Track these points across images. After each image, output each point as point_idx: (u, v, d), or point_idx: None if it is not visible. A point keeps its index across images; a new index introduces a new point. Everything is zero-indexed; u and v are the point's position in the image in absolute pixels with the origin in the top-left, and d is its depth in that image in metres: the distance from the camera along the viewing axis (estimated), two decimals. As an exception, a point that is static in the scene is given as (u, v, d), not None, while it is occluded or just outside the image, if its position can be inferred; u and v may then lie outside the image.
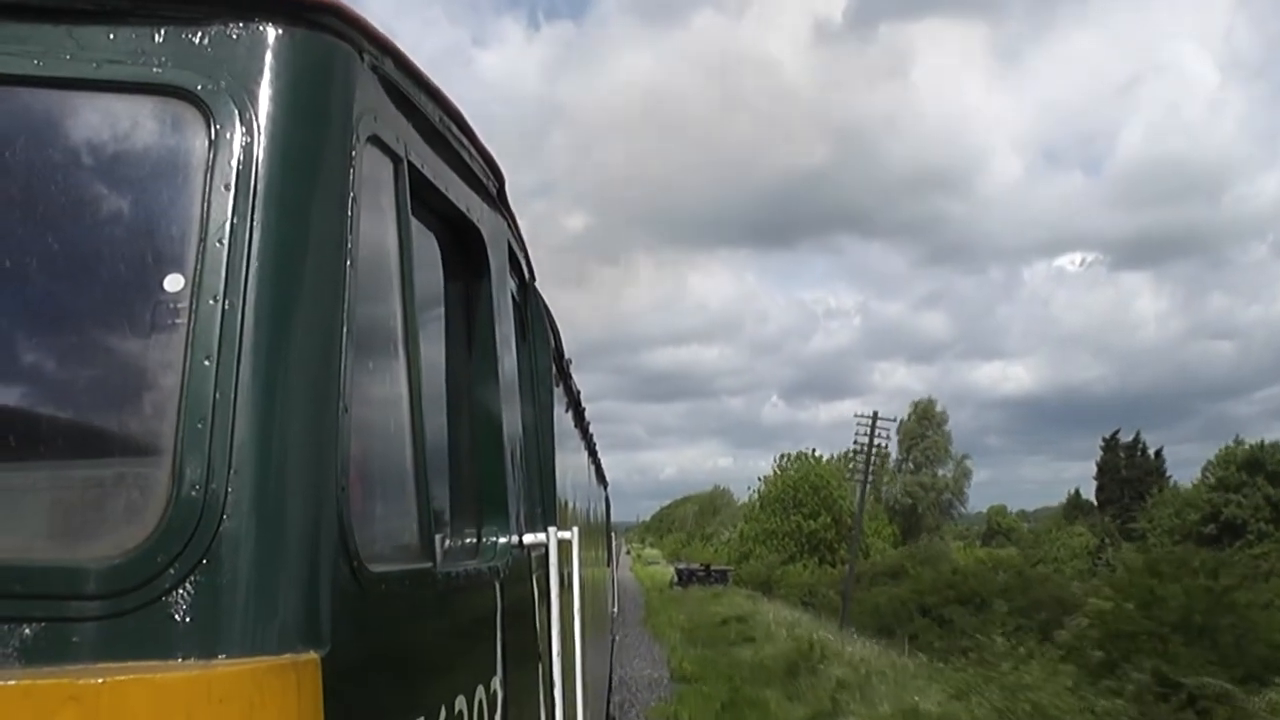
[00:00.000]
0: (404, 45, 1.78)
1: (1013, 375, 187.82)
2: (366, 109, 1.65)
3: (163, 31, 1.51)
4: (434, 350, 2.21)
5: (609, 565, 16.53)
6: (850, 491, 56.65)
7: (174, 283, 1.45)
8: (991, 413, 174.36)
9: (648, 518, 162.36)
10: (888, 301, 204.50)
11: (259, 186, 1.47)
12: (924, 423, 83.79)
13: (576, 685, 3.21)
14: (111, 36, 1.50)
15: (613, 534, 22.61)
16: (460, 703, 1.94)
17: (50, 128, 1.53)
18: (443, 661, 1.93)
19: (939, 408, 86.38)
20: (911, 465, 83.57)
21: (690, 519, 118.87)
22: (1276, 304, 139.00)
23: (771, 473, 69.53)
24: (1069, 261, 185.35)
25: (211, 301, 1.42)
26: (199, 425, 1.37)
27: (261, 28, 1.53)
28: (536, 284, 3.52)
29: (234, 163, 1.48)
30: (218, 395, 1.38)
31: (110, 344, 1.51)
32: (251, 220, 1.46)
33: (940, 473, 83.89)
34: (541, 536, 2.69)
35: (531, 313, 3.38)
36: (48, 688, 1.23)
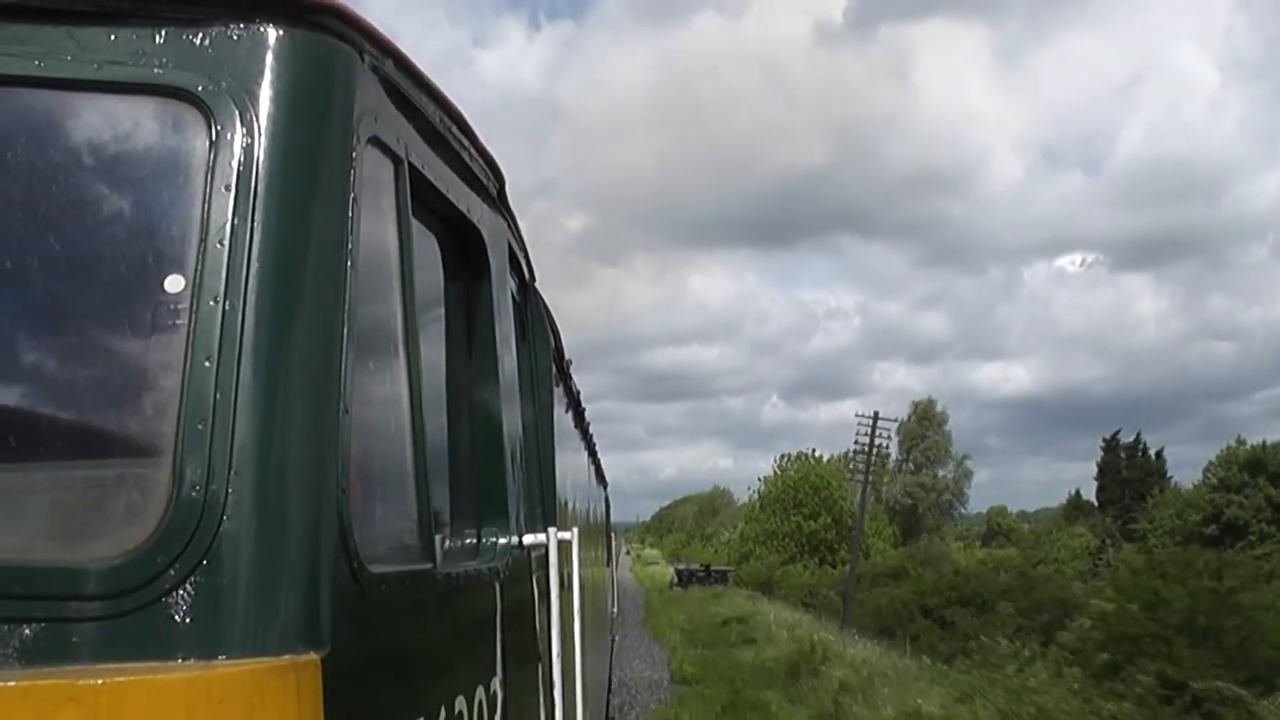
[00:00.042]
0: (404, 46, 1.78)
1: (1013, 376, 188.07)
2: (367, 110, 1.66)
3: (163, 32, 1.51)
4: (434, 351, 2.21)
5: (609, 566, 16.53)
6: (851, 492, 56.67)
7: (175, 283, 1.46)
8: (991, 413, 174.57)
9: (647, 518, 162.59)
10: (888, 302, 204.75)
11: (260, 187, 1.48)
12: (924, 423, 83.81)
13: (576, 686, 3.21)
14: (112, 37, 1.50)
15: (612, 534, 22.62)
16: (460, 703, 1.94)
17: (51, 128, 1.54)
18: (443, 662, 1.93)
19: (939, 408, 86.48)
20: (912, 466, 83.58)
21: (690, 519, 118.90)
22: (1277, 305, 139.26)
23: (771, 473, 69.67)
24: (1069, 262, 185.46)
25: (212, 302, 1.42)
26: (199, 426, 1.37)
27: (262, 29, 1.53)
28: (536, 284, 3.52)
29: (235, 164, 1.48)
30: (218, 396, 1.38)
31: (111, 345, 1.51)
32: (252, 221, 1.46)
33: (940, 473, 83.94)
34: (541, 537, 2.69)
35: (532, 313, 3.38)
36: (47, 688, 1.23)
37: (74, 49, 1.49)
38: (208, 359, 1.39)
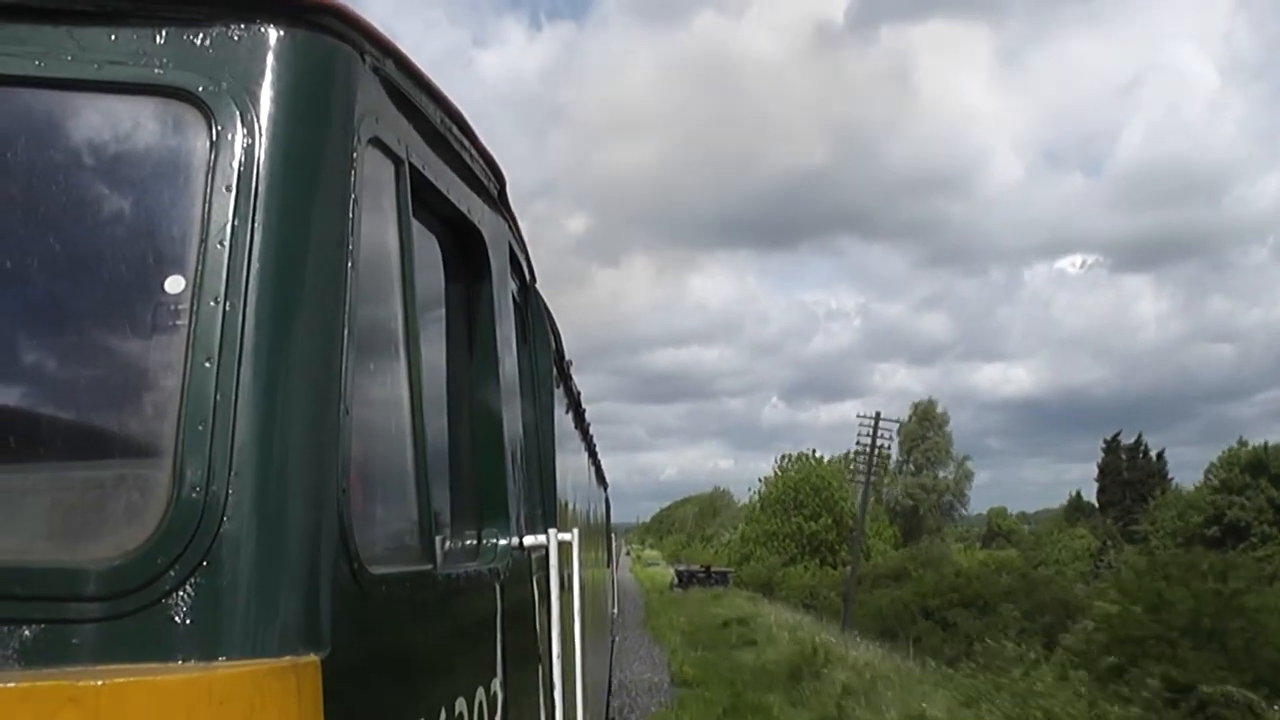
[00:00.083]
0: (404, 46, 1.78)
1: (1013, 377, 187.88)
2: (368, 110, 1.65)
3: (164, 33, 1.51)
4: (435, 352, 2.21)
5: (609, 567, 16.53)
6: (852, 493, 56.64)
7: (175, 284, 1.45)
8: (992, 414, 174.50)
9: (648, 519, 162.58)
10: (888, 303, 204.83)
11: (260, 188, 1.47)
12: (925, 424, 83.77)
13: (576, 687, 3.21)
14: (113, 38, 1.50)
15: (613, 535, 22.61)
16: (460, 704, 1.94)
17: (52, 129, 1.54)
18: (443, 663, 1.93)
19: (940, 409, 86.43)
20: (912, 467, 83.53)
21: (690, 520, 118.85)
22: (1277, 307, 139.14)
23: (772, 474, 69.62)
24: (1069, 263, 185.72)
25: (212, 303, 1.42)
26: (200, 427, 1.37)
27: (263, 29, 1.53)
28: (537, 285, 3.52)
29: (235, 164, 1.48)
30: (218, 397, 1.38)
31: (111, 345, 1.51)
32: (253, 222, 1.46)
33: (941, 474, 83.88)
34: (542, 538, 2.69)
35: (532, 314, 3.38)
36: (47, 689, 1.23)
37: (74, 49, 1.49)
38: (208, 360, 1.39)
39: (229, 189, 1.46)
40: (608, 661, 13.74)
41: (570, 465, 5.24)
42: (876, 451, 42.20)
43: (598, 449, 10.81)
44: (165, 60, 1.50)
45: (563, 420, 4.51)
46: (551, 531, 2.72)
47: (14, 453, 1.46)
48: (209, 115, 1.49)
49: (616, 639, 20.35)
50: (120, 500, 1.44)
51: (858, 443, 42.89)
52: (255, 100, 1.50)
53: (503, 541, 2.39)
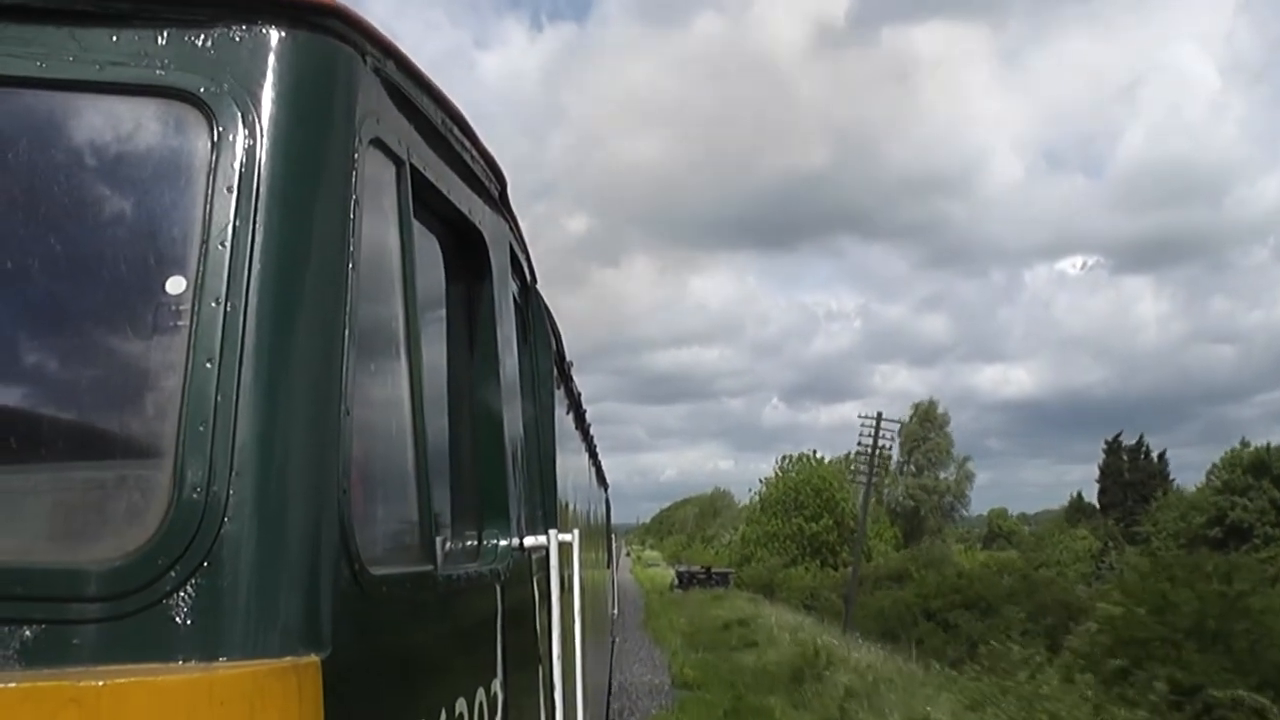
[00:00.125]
0: (405, 47, 1.78)
1: (1014, 378, 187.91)
2: (369, 111, 1.66)
3: (165, 34, 1.51)
4: (436, 352, 2.21)
5: (609, 567, 16.52)
6: (853, 494, 56.59)
7: (176, 285, 1.46)
8: (993, 415, 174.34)
9: (648, 520, 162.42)
10: (889, 304, 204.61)
11: (261, 189, 1.48)
12: (925, 425, 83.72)
13: (577, 688, 3.21)
14: (114, 39, 1.50)
15: (613, 536, 22.61)
16: (461, 705, 1.94)
17: (53, 129, 1.54)
18: (443, 664, 1.93)
19: (941, 410, 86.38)
20: (913, 468, 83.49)
21: (691, 521, 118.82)
22: (1277, 308, 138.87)
23: (773, 475, 69.58)
24: (1070, 264, 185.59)
25: (214, 304, 1.42)
26: (200, 428, 1.37)
27: (264, 30, 1.53)
28: (538, 286, 3.52)
29: (236, 165, 1.48)
30: (219, 398, 1.38)
31: (112, 346, 1.51)
32: (254, 223, 1.46)
33: (942, 475, 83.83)
34: (542, 539, 2.69)
35: (533, 315, 3.39)
36: (48, 690, 1.23)
37: (76, 50, 1.49)
38: (209, 360, 1.39)
39: (230, 190, 1.47)
40: (608, 663, 13.74)
41: (571, 466, 5.24)
42: (879, 451, 42.17)
43: (598, 449, 10.82)
44: (167, 61, 1.50)
45: (563, 421, 4.51)
46: (552, 532, 2.72)
47: (15, 453, 1.46)
48: (210, 116, 1.49)
49: (617, 640, 20.34)
50: (121, 501, 1.44)
51: (859, 443, 42.85)
52: (257, 101, 1.50)
53: (503, 542, 2.39)
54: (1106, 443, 72.28)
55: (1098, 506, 71.34)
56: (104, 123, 1.54)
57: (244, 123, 1.49)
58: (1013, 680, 14.63)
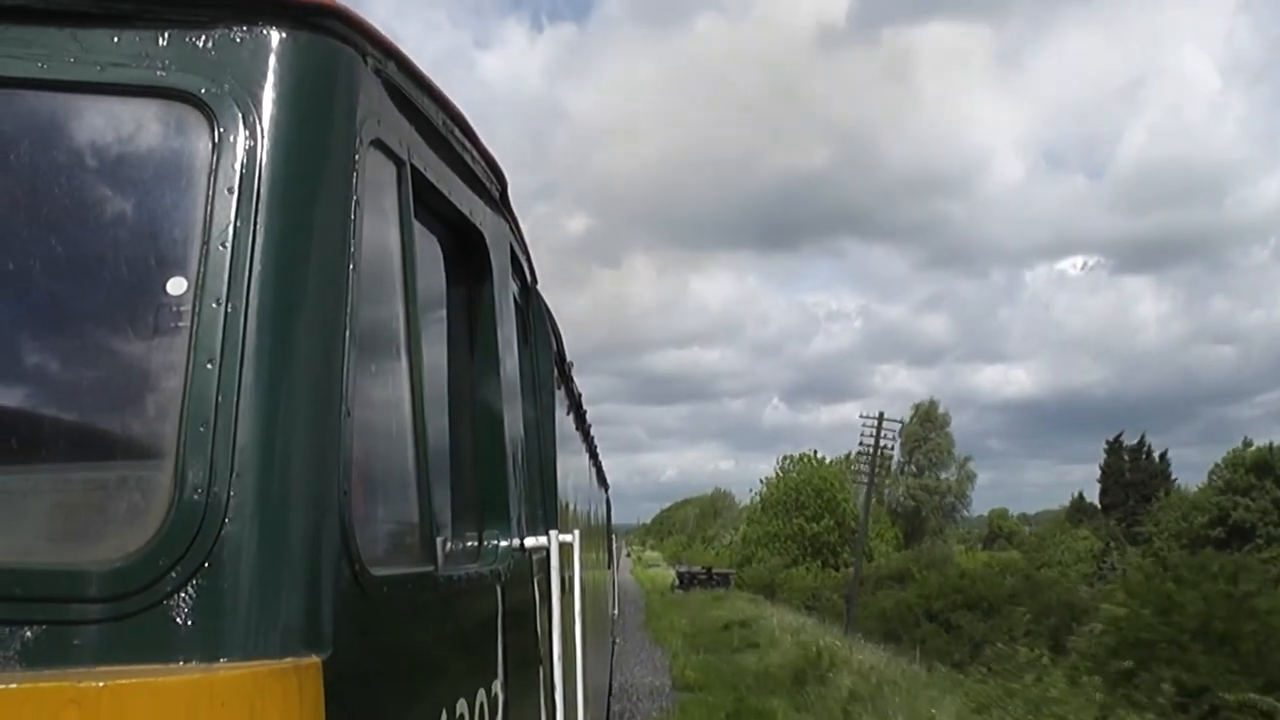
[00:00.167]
0: (406, 48, 1.78)
1: (1014, 378, 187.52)
2: (370, 112, 1.66)
3: (166, 35, 1.51)
4: (436, 353, 2.21)
5: (609, 568, 16.52)
6: (854, 494, 56.56)
7: (177, 286, 1.46)
8: (993, 416, 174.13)
9: (648, 520, 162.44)
10: (889, 304, 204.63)
11: (262, 190, 1.48)
12: (926, 425, 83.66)
13: (577, 689, 3.20)
14: (115, 40, 1.50)
15: (613, 536, 22.61)
16: (461, 706, 1.94)
17: (54, 130, 1.54)
18: (444, 664, 1.93)
19: (941, 410, 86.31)
20: (914, 468, 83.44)
21: (691, 522, 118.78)
22: (1278, 308, 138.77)
23: (773, 475, 69.54)
24: (1070, 265, 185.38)
25: (214, 305, 1.42)
26: (201, 429, 1.37)
27: (265, 31, 1.54)
28: (538, 286, 3.52)
29: (237, 166, 1.48)
30: (220, 398, 1.38)
31: (113, 347, 1.51)
32: (255, 223, 1.46)
33: (943, 476, 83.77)
34: (543, 540, 2.69)
35: (533, 315, 3.39)
36: (49, 691, 1.23)
37: (77, 51, 1.49)
38: (210, 361, 1.39)
39: (231, 191, 1.47)
40: (608, 664, 13.73)
41: (571, 466, 5.24)
42: (880, 451, 42.11)
43: (598, 450, 10.81)
44: (168, 62, 1.50)
45: (564, 421, 4.51)
46: (553, 533, 2.72)
47: (16, 454, 1.46)
48: (211, 117, 1.49)
49: (617, 641, 20.32)
50: (122, 502, 1.44)
51: (860, 443, 42.83)
52: (257, 102, 1.50)
53: (504, 543, 2.39)
54: (1108, 443, 72.23)
55: (1099, 507, 71.27)
56: (105, 124, 1.54)
57: (245, 124, 1.49)
58: (1019, 683, 14.54)
